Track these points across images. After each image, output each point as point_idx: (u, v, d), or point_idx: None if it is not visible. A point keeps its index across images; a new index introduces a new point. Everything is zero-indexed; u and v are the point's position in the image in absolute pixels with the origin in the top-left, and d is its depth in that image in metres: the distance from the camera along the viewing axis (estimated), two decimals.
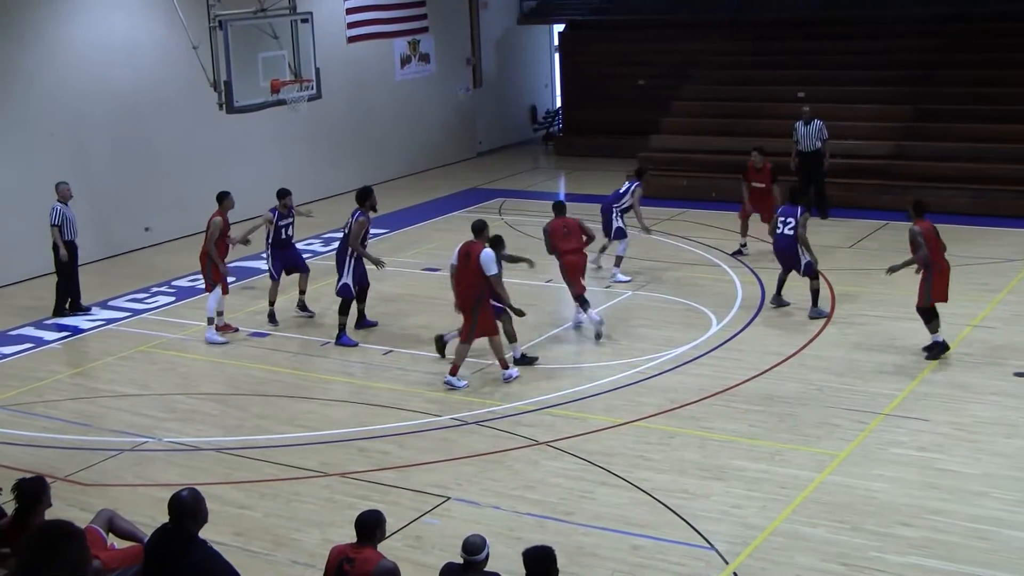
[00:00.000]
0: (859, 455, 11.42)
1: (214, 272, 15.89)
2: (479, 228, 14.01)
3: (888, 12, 27.13)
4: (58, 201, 17.39)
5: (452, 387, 13.79)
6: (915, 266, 14.10)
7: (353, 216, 15.57)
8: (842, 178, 22.27)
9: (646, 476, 11.15)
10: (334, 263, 15.98)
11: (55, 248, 17.29)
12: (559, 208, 16.26)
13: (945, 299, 14.11)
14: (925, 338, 14.14)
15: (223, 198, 16.24)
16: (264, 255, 17.03)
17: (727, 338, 15.09)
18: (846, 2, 28.18)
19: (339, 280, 15.58)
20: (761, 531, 9.99)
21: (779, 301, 16.29)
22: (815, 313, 15.79)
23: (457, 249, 13.97)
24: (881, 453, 11.44)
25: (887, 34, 26.42)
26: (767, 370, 13.85)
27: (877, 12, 27.32)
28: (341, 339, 15.59)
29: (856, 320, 15.54)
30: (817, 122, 21.45)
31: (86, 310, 17.73)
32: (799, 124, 21.56)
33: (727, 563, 9.50)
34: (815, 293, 15.86)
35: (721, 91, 26.56)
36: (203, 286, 16.52)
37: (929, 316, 14.06)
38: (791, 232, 15.85)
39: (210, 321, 15.99)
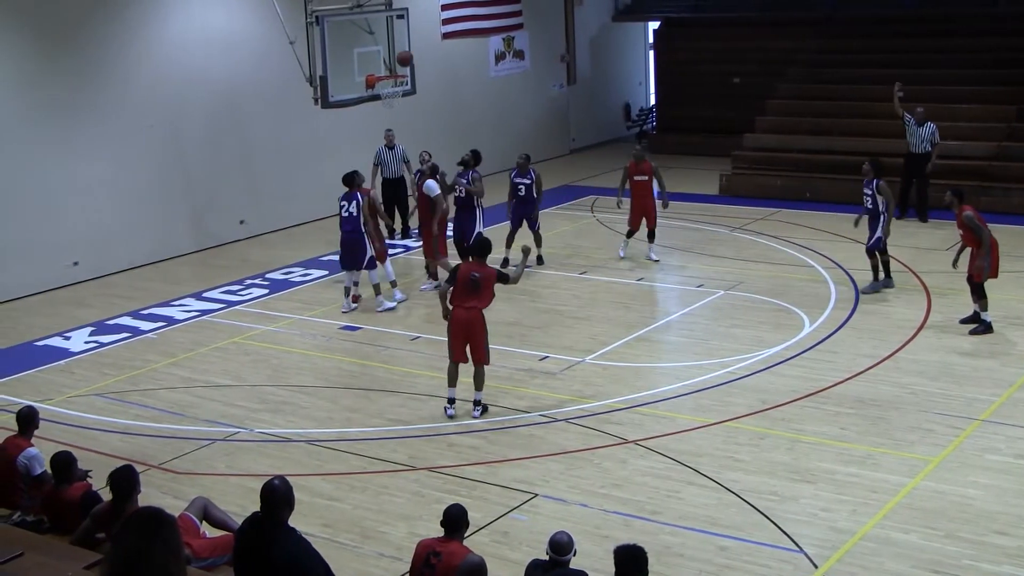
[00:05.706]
0: (954, 461, 11.21)
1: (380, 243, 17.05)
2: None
3: (989, 9, 26.56)
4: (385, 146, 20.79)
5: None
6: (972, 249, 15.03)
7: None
8: (942, 179, 21.74)
9: (735, 477, 11.06)
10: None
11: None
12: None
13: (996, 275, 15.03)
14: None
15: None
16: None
17: (820, 339, 14.89)
18: None
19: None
20: (851, 536, 9.85)
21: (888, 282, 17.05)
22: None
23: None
24: (977, 460, 11.22)
25: (988, 31, 25.84)
26: (860, 373, 13.65)
27: (977, 8, 26.76)
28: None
29: (953, 324, 15.23)
30: (930, 124, 21.14)
31: (404, 231, 21.05)
32: (911, 122, 21.20)
33: (816, 567, 9.39)
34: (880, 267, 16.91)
35: (816, 90, 26.23)
36: (303, 277, 16.69)
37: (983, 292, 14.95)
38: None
39: (392, 285, 16.99)
